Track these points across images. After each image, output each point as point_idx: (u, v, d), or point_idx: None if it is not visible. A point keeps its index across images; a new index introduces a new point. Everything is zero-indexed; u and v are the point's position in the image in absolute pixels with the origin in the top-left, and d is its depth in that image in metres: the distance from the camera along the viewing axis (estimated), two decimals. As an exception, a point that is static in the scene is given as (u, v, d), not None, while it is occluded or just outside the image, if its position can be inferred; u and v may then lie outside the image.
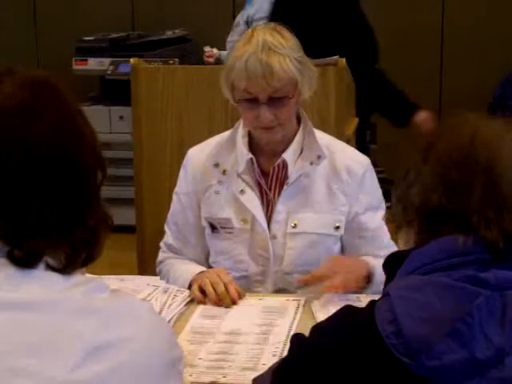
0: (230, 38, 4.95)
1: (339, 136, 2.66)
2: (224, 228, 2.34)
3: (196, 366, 1.80)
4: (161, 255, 2.47)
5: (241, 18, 4.92)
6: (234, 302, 2.14)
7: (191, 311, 2.11)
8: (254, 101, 2.19)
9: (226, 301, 2.13)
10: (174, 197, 2.44)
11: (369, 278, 2.20)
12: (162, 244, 2.47)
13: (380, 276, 2.17)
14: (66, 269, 1.16)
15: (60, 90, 1.21)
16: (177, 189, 2.44)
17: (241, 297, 2.17)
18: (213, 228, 2.36)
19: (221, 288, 2.14)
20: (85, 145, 1.19)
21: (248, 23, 4.82)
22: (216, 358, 1.84)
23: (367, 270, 2.20)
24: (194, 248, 2.41)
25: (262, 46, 2.15)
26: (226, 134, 2.39)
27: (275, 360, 1.71)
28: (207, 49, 4.74)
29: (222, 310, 2.12)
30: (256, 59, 2.14)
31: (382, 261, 2.20)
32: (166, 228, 2.46)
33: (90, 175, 1.20)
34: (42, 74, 1.23)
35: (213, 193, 2.35)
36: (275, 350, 1.87)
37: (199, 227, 2.39)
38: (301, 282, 2.18)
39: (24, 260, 1.13)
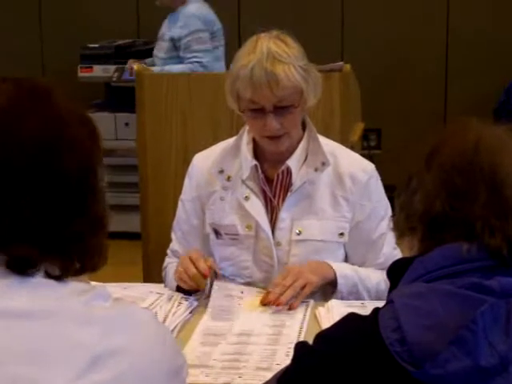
0: (157, 53, 4.96)
1: (344, 142, 2.66)
2: (228, 234, 2.34)
3: (211, 367, 1.82)
4: (166, 261, 2.47)
5: (165, 34, 4.94)
6: (204, 276, 2.14)
7: (197, 318, 2.10)
8: (259, 110, 2.19)
9: (199, 283, 2.13)
10: (180, 203, 2.45)
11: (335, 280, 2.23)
12: (168, 251, 2.48)
13: (350, 280, 2.23)
14: (65, 276, 1.15)
15: (52, 95, 1.20)
16: (182, 195, 2.45)
17: (217, 275, 2.18)
18: (217, 234, 2.36)
19: (192, 271, 2.14)
20: (69, 152, 1.17)
21: (175, 41, 4.86)
22: (230, 359, 1.86)
23: (333, 271, 2.23)
24: None
25: (266, 54, 2.15)
26: (231, 140, 2.39)
27: (288, 360, 1.72)
28: (129, 64, 4.80)
29: (231, 312, 2.11)
30: (261, 68, 2.14)
31: (363, 269, 2.28)
32: (172, 235, 2.47)
33: (76, 182, 1.18)
34: (34, 79, 1.23)
35: (217, 199, 2.35)
36: (288, 350, 1.88)
37: (204, 233, 2.39)
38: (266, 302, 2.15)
39: (18, 268, 1.13)
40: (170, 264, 2.43)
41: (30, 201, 1.13)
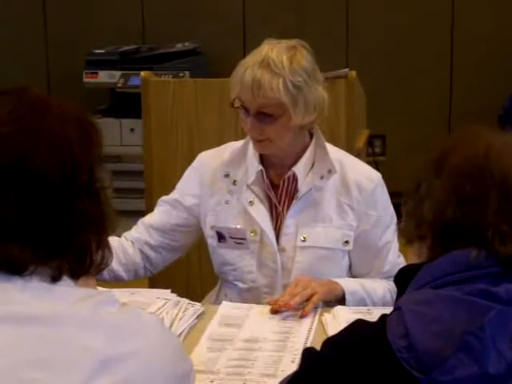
0: None
1: (349, 149, 2.66)
2: (234, 238, 2.34)
3: (217, 373, 1.83)
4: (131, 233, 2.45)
5: None
6: None
7: (203, 323, 2.10)
8: (246, 110, 2.22)
9: None
10: (176, 191, 2.44)
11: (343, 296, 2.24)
12: (139, 222, 2.46)
13: (357, 295, 2.23)
14: (61, 277, 1.16)
15: (44, 102, 1.21)
16: (181, 185, 2.44)
17: None
18: (220, 237, 2.36)
19: None
20: (50, 153, 1.17)
21: None
22: (236, 365, 1.86)
23: (340, 287, 2.23)
24: (153, 238, 2.41)
25: (261, 60, 2.17)
26: (238, 144, 2.39)
27: (294, 366, 1.72)
28: None
29: (240, 318, 2.11)
30: (251, 71, 2.17)
31: (368, 281, 2.28)
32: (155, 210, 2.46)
33: (61, 182, 1.17)
34: (25, 86, 1.24)
35: (222, 202, 2.35)
36: (294, 356, 1.88)
37: (178, 230, 2.40)
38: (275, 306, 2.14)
39: (11, 268, 1.13)
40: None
41: (13, 201, 1.14)
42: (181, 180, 2.46)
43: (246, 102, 2.20)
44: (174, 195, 2.44)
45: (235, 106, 2.24)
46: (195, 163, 2.44)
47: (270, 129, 2.21)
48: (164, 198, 2.47)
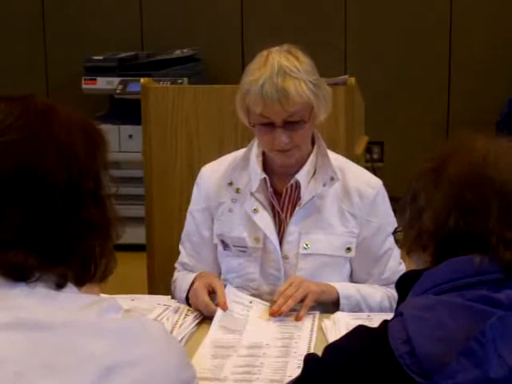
0: None
1: (348, 155, 2.67)
2: (236, 246, 2.34)
3: (224, 380, 1.83)
4: (175, 274, 2.47)
5: None
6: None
7: (204, 329, 2.11)
8: (269, 125, 2.19)
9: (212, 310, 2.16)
10: (188, 215, 2.45)
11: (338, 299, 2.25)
12: (176, 264, 2.48)
13: (352, 299, 2.24)
14: (67, 283, 1.17)
15: (50, 111, 1.22)
16: (191, 206, 2.45)
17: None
18: (224, 246, 2.37)
19: (205, 302, 2.17)
20: (56, 161, 1.18)
21: None
22: (243, 371, 1.87)
23: (335, 291, 2.24)
24: (209, 264, 2.41)
25: (277, 69, 2.15)
26: (240, 152, 2.39)
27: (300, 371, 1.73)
28: None
29: (240, 324, 2.12)
30: (272, 84, 2.14)
31: (362, 286, 2.29)
32: (180, 248, 2.47)
33: (66, 189, 1.18)
34: (32, 93, 1.25)
35: (226, 211, 2.36)
36: (299, 361, 1.89)
37: (214, 243, 2.40)
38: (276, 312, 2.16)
39: (17, 275, 1.14)
40: (180, 277, 2.43)
41: (19, 208, 1.15)
42: (190, 203, 2.46)
43: (272, 116, 2.17)
44: (192, 223, 2.44)
45: (257, 124, 2.22)
46: (198, 179, 2.45)
47: (299, 135, 2.21)
48: (186, 231, 2.46)
